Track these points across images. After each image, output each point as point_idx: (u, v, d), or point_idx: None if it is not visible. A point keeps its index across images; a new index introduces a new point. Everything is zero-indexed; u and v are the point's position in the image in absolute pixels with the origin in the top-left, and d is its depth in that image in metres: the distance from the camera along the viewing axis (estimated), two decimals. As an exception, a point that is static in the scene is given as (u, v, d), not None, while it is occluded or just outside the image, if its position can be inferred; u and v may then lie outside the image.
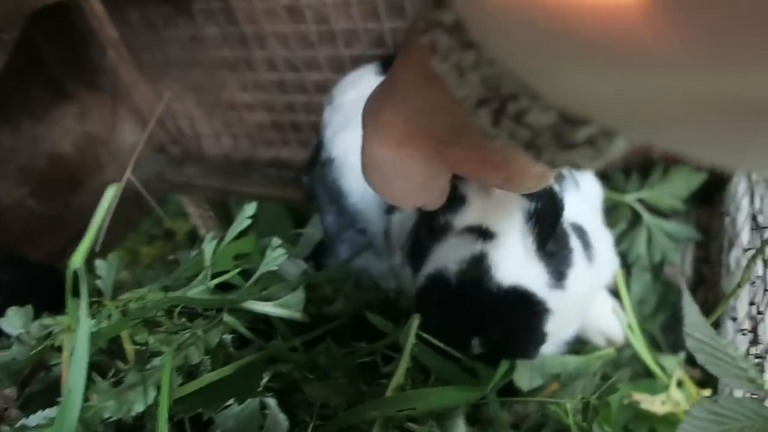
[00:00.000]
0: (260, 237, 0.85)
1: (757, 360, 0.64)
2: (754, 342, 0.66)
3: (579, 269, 0.73)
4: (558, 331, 0.72)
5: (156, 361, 0.60)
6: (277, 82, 1.48)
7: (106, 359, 0.67)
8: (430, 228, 0.70)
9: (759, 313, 0.67)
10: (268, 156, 1.66)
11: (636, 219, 1.13)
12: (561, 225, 0.70)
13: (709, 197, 1.14)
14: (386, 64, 1.12)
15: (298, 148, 1.62)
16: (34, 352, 0.69)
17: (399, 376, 0.65)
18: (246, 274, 0.80)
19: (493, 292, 0.64)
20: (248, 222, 0.77)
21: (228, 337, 0.68)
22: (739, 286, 0.66)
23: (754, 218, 0.77)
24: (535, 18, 0.22)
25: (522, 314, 0.65)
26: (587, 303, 0.85)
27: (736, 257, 0.93)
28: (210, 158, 1.71)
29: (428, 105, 0.40)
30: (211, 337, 0.66)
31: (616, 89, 0.22)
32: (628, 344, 0.96)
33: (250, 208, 0.78)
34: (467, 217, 0.67)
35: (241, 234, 0.79)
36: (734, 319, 0.79)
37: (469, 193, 0.68)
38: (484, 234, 0.66)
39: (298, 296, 0.75)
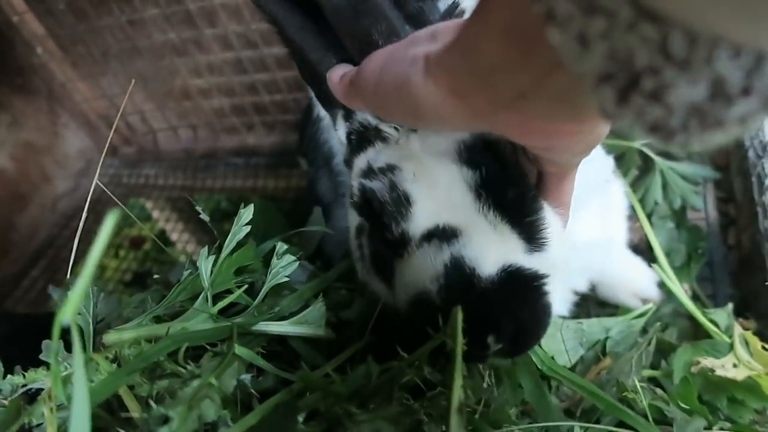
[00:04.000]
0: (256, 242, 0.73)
1: None
2: None
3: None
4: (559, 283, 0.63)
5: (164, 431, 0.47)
6: (234, 61, 1.33)
7: (105, 418, 0.54)
8: (385, 242, 0.59)
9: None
10: (233, 144, 1.51)
11: (647, 164, 1.05)
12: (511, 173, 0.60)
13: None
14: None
15: (264, 132, 1.49)
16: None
17: (457, 389, 0.55)
18: (247, 290, 0.68)
19: (488, 289, 0.54)
20: (247, 229, 0.65)
21: (247, 377, 0.57)
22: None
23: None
24: None
25: (522, 291, 0.56)
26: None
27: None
28: (169, 155, 1.55)
29: (506, 66, 0.35)
30: (227, 380, 0.54)
31: None
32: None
33: (248, 211, 0.65)
34: (420, 220, 0.57)
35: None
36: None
37: (410, 188, 0.57)
38: (446, 235, 0.56)
39: (318, 310, 0.64)
